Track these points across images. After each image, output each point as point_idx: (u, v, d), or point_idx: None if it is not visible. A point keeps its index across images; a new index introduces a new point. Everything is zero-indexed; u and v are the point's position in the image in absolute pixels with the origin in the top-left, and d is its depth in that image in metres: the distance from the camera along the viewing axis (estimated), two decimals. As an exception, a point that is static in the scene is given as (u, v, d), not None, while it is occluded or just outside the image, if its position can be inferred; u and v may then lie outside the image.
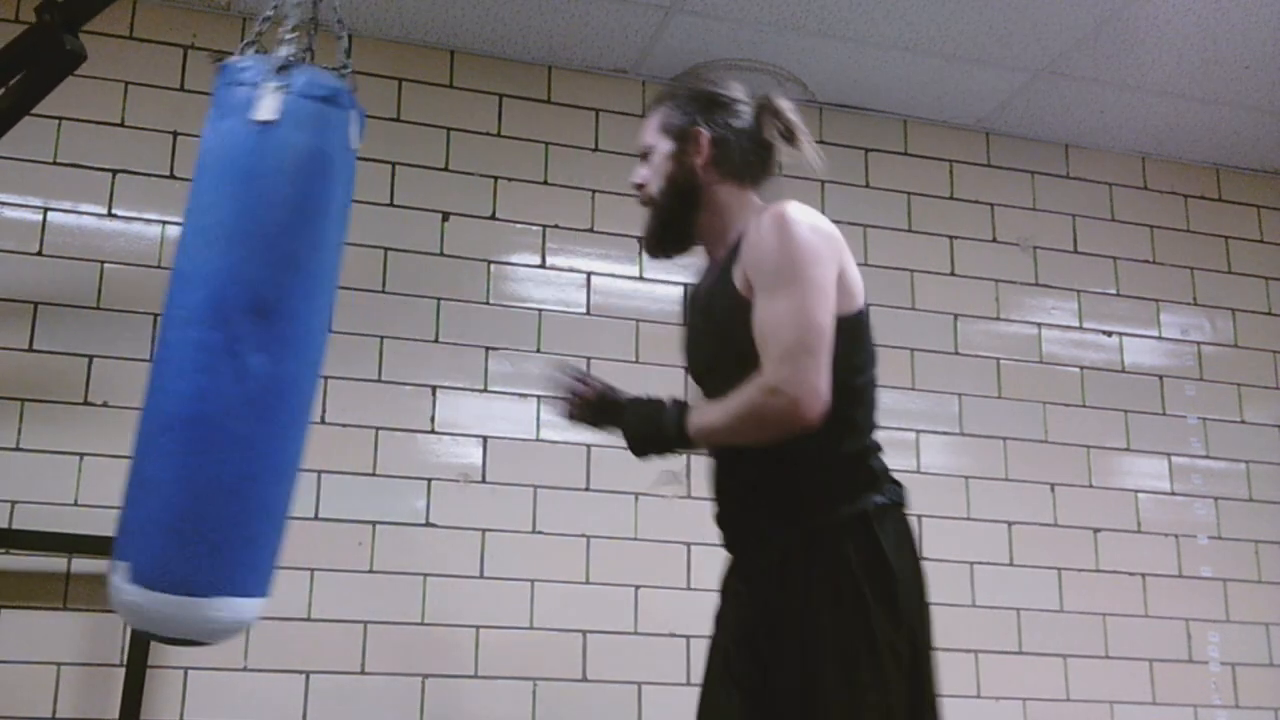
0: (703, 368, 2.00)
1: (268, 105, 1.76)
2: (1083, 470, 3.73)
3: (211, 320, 1.70)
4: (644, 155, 2.02)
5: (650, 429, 1.87)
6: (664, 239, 2.01)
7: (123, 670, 2.85)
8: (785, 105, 1.95)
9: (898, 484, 1.90)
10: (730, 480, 1.94)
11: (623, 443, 1.96)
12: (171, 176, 3.19)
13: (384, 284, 3.31)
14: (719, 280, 1.91)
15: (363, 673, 3.07)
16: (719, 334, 1.91)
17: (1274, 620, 3.77)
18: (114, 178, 3.17)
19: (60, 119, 3.15)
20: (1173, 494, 3.79)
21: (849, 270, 1.85)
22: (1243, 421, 3.91)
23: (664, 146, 1.97)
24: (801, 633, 1.75)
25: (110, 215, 3.15)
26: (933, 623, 1.86)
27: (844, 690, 1.70)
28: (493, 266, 3.41)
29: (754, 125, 1.96)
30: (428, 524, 3.20)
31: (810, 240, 1.77)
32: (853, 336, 1.83)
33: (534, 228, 3.47)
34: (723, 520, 1.98)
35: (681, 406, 1.88)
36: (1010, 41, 3.40)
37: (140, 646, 2.85)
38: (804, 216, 1.81)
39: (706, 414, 1.82)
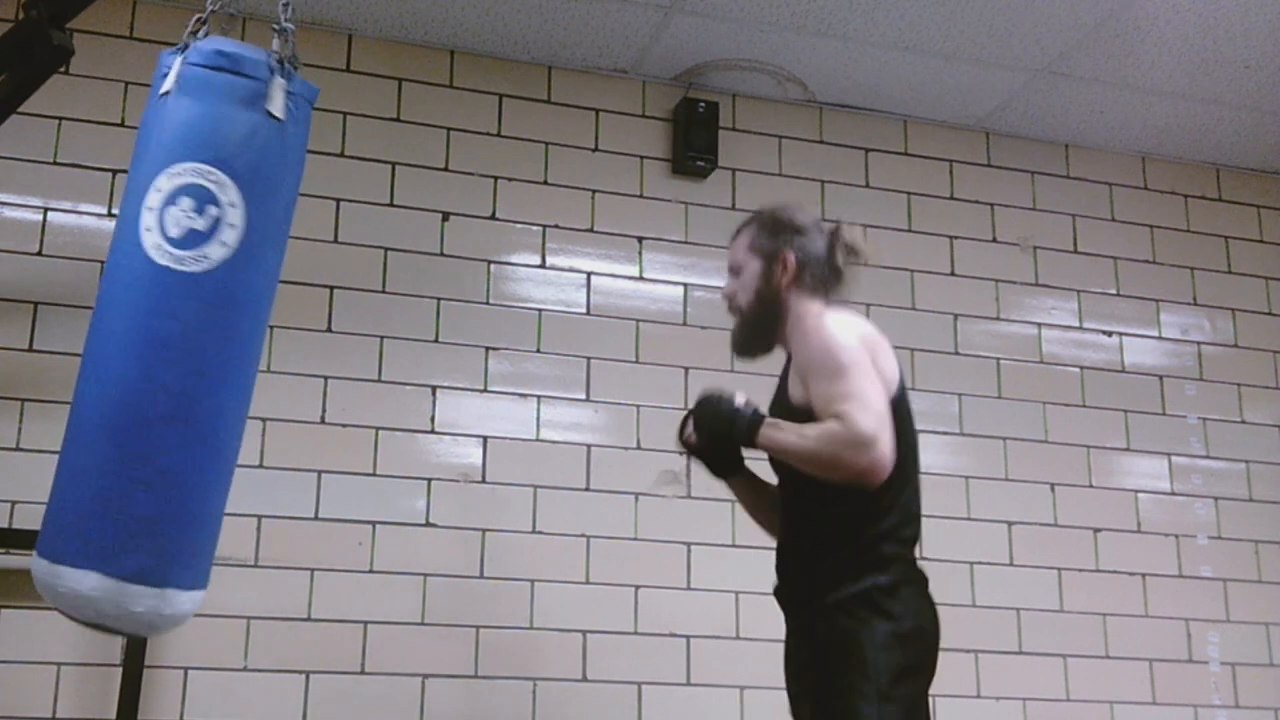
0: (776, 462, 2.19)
1: (170, 78, 1.81)
2: (1083, 470, 3.73)
3: None
4: (733, 270, 2.26)
5: (720, 424, 2.08)
6: (750, 345, 2.26)
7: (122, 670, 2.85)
8: (853, 232, 2.26)
9: (910, 564, 2.12)
10: (780, 556, 2.21)
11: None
12: (171, 176, 3.19)
13: (384, 284, 3.31)
14: (780, 388, 2.21)
15: (363, 673, 3.06)
16: None
17: (1274, 620, 3.77)
18: (114, 178, 3.17)
19: (60, 119, 3.15)
20: (1173, 494, 3.79)
21: (881, 362, 2.07)
22: (1243, 421, 3.91)
23: (754, 265, 2.22)
24: (815, 696, 2.03)
25: (110, 215, 3.15)
26: (928, 692, 2.07)
27: None
28: (493, 266, 3.41)
29: (828, 249, 2.24)
30: (428, 524, 3.20)
31: (845, 336, 2.04)
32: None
33: (534, 228, 3.47)
34: (776, 591, 2.22)
35: (756, 411, 2.07)
36: (1010, 41, 3.40)
37: (137, 646, 2.85)
38: (838, 318, 2.10)
39: (784, 433, 2.02)
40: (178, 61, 1.85)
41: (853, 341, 2.03)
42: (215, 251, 1.79)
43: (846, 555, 2.05)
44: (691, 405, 2.20)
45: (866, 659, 1.96)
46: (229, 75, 1.82)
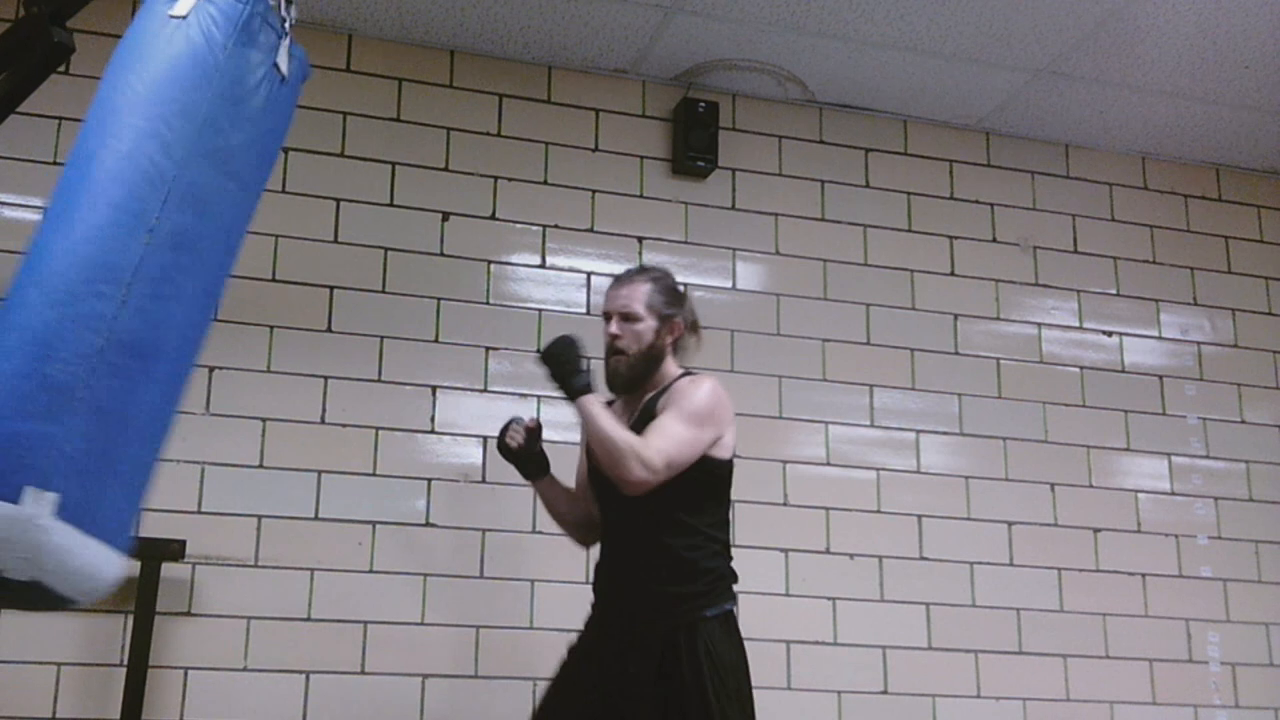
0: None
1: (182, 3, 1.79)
2: (1083, 470, 3.73)
3: None
4: (626, 318, 2.49)
5: (564, 371, 2.38)
6: (631, 384, 2.50)
7: (123, 670, 2.85)
8: (695, 311, 2.63)
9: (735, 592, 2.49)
10: (632, 573, 2.46)
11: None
12: (171, 176, 3.19)
13: (384, 284, 3.31)
14: (642, 416, 2.45)
15: (363, 673, 3.07)
16: None
17: (1274, 620, 3.77)
18: (114, 178, 3.17)
19: (60, 119, 3.15)
20: (1173, 494, 3.79)
21: (728, 434, 2.45)
22: (1243, 421, 3.91)
23: (650, 321, 2.50)
24: (684, 696, 2.30)
25: (110, 215, 3.15)
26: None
27: None
28: (493, 266, 3.41)
29: (694, 322, 2.60)
30: (428, 524, 3.20)
31: (715, 406, 2.42)
32: (724, 479, 2.48)
33: (534, 228, 3.47)
34: (616, 600, 2.48)
35: (590, 384, 2.38)
36: (1010, 41, 3.40)
37: (141, 646, 2.85)
38: (719, 389, 2.46)
39: (601, 416, 2.33)
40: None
41: (712, 410, 2.41)
42: None
43: (703, 582, 2.41)
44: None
45: (733, 678, 2.36)
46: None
